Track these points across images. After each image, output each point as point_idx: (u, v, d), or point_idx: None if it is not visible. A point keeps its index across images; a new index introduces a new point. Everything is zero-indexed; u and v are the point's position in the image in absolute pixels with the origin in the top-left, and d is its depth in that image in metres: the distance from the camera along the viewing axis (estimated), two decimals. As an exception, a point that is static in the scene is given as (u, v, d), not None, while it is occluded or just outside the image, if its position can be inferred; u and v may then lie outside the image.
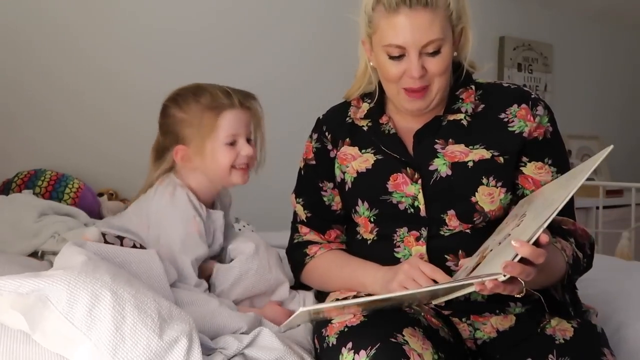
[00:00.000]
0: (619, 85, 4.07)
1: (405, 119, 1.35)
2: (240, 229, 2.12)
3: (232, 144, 1.37)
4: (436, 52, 1.22)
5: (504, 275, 0.98)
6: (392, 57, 1.23)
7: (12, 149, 2.13)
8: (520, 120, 1.28)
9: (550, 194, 1.14)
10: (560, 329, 1.15)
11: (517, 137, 1.27)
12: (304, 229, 1.42)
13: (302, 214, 1.42)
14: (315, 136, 1.43)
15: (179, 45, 2.46)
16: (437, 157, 1.27)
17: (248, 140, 1.40)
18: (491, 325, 1.22)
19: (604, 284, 1.58)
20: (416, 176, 1.27)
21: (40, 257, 1.54)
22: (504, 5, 3.42)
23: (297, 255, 1.41)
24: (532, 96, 1.31)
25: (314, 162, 1.42)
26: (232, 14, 2.61)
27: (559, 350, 1.09)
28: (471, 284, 1.03)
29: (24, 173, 1.99)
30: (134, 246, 1.34)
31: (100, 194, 2.24)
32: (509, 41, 3.55)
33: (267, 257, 1.40)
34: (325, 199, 1.40)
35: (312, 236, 1.40)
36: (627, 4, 3.62)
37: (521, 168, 1.28)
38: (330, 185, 1.39)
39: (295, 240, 1.43)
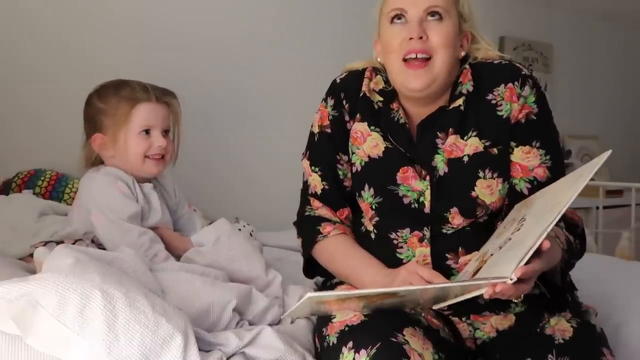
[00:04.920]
0: (619, 85, 4.07)
1: (414, 107, 1.31)
2: (240, 229, 2.12)
3: (147, 134, 1.46)
4: (438, 20, 1.23)
5: (510, 279, 0.98)
6: (393, 23, 1.24)
7: (11, 149, 2.12)
8: (507, 103, 1.26)
9: (549, 197, 1.14)
10: (560, 328, 1.15)
11: (505, 122, 1.26)
12: (316, 203, 1.35)
13: (318, 186, 1.35)
14: (331, 102, 1.36)
15: (179, 46, 2.42)
16: (438, 154, 1.27)
17: (167, 133, 1.50)
18: (491, 325, 1.22)
19: (604, 284, 1.58)
20: (424, 173, 1.26)
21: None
22: (504, 5, 3.41)
23: (309, 230, 1.35)
24: (522, 73, 1.27)
25: (329, 131, 1.35)
26: (236, 15, 2.59)
27: (559, 350, 1.09)
28: (480, 288, 1.03)
29: (24, 173, 1.99)
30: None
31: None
32: (509, 41, 3.54)
33: (230, 249, 1.41)
34: (340, 172, 1.34)
35: (324, 211, 1.34)
36: (627, 3, 3.61)
37: (509, 155, 1.26)
38: (345, 158, 1.34)
39: (307, 213, 1.36)
